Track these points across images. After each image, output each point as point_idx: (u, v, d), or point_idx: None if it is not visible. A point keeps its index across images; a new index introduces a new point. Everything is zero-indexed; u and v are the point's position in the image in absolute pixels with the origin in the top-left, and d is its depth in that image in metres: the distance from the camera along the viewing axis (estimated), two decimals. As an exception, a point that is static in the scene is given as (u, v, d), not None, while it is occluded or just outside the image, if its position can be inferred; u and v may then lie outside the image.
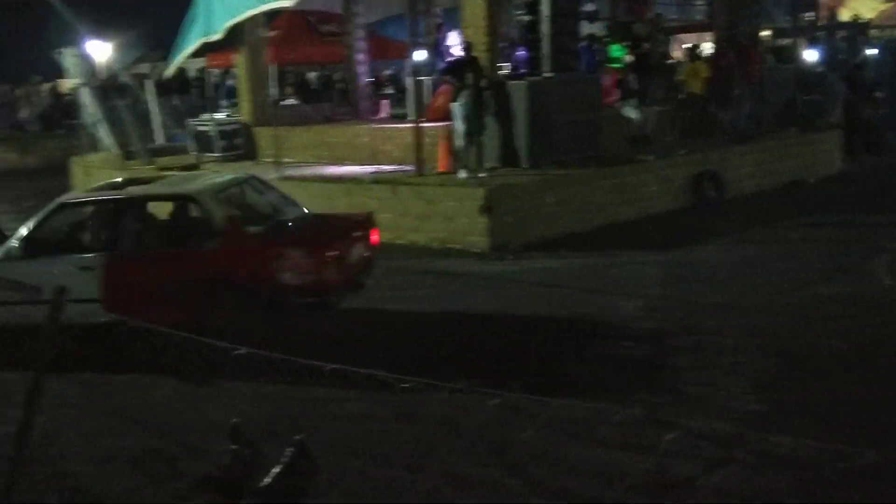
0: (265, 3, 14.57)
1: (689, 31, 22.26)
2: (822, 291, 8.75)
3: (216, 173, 9.80)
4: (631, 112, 14.44)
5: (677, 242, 11.23)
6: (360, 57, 17.97)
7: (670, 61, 18.23)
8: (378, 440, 5.68)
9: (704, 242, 11.23)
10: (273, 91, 19.84)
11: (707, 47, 19.91)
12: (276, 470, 3.46)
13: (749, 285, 9.18)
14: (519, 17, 14.13)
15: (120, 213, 8.02)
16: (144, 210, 8.26)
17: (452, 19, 18.10)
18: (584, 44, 14.65)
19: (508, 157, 12.65)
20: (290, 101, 22.03)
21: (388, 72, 27.49)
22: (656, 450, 5.31)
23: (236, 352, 3.47)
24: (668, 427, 5.71)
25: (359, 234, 8.35)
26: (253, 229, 7.85)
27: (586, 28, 15.37)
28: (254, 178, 9.19)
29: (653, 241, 11.34)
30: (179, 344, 3.86)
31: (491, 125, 12.60)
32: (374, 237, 8.58)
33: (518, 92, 12.48)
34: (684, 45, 19.60)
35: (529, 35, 13.05)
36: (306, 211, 8.72)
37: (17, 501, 4.52)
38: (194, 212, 8.03)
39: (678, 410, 5.96)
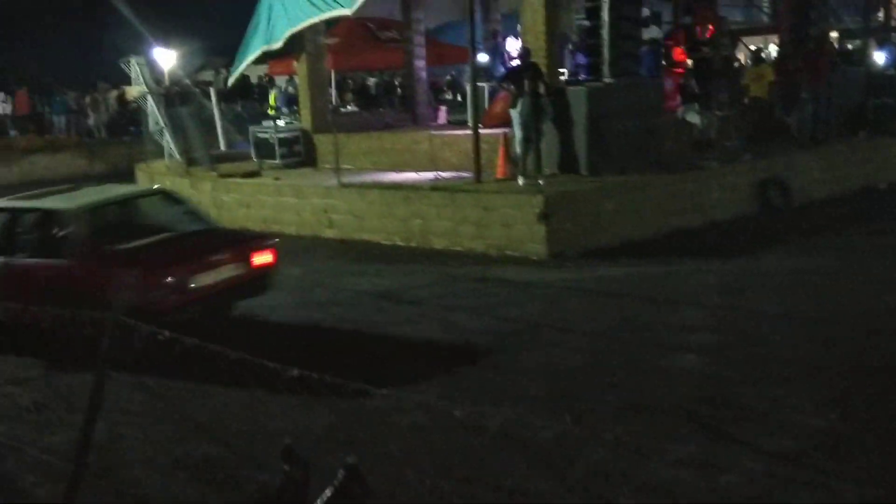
0: (325, 11, 14.68)
1: (755, 34, 21.84)
2: (892, 302, 8.47)
3: (116, 187, 10.03)
4: (693, 117, 14.20)
5: (741, 250, 10.99)
6: (420, 63, 18.02)
7: (735, 65, 17.87)
8: (434, 452, 5.62)
9: (770, 251, 10.98)
10: (333, 98, 20.03)
11: (773, 50, 19.55)
12: (327, 493, 3.42)
13: (816, 295, 8.93)
14: (579, 23, 14.00)
15: (9, 221, 8.48)
16: (26, 221, 8.59)
17: (510, 25, 18.07)
18: (645, 48, 14.44)
19: (567, 163, 12.54)
20: (350, 108, 22.21)
21: (447, 77, 27.59)
22: (719, 467, 5.18)
23: (289, 373, 3.45)
24: (731, 443, 5.58)
25: (228, 256, 8.30)
26: (106, 248, 7.96)
27: (648, 32, 15.14)
28: (162, 192, 9.47)
29: (716, 249, 11.12)
30: (234, 362, 3.85)
31: (550, 131, 12.50)
32: (259, 259, 8.50)
33: (578, 98, 12.36)
34: (750, 47, 19.21)
35: (590, 40, 12.91)
36: (202, 228, 8.85)
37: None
38: (62, 227, 8.25)
39: (740, 426, 5.82)
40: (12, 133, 27.43)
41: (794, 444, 5.50)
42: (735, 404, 6.21)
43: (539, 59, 12.73)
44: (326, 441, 5.82)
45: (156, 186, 9.85)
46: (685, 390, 6.54)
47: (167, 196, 9.44)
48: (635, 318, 8.52)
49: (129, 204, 9.07)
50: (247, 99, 26.52)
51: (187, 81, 24.70)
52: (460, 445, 5.50)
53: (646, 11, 15.15)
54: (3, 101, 28.22)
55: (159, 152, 18.30)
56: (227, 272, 8.18)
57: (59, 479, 5.50)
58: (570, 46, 16.66)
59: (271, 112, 22.42)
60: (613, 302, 9.19)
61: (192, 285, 7.83)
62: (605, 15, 12.33)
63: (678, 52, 15.74)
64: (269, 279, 8.70)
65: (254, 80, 28.78)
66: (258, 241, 8.86)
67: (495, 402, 6.48)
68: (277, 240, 9.22)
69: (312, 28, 15.96)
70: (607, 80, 12.57)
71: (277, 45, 15.97)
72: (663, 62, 15.36)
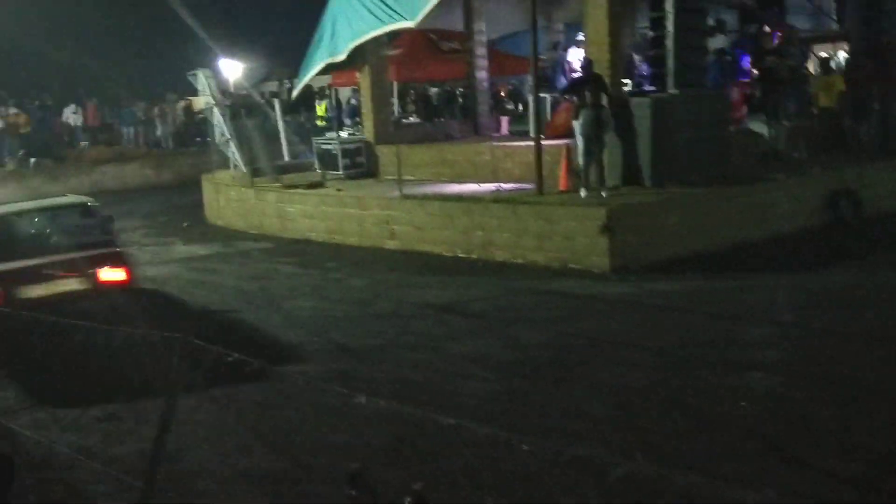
0: (388, 23, 14.79)
1: (824, 42, 21.36)
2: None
3: (45, 200, 11.01)
4: (760, 128, 13.96)
5: (810, 265, 10.76)
6: (482, 74, 18.03)
7: (803, 74, 17.49)
8: (497, 473, 5.58)
9: (840, 265, 10.72)
10: (395, 108, 20.14)
11: (842, 58, 19.10)
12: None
13: (888, 313, 8.68)
14: (643, 33, 13.89)
15: None
16: None
17: (571, 36, 17.98)
18: (711, 58, 14.24)
19: (631, 175, 12.42)
20: (412, 119, 22.33)
21: (508, 86, 27.56)
22: (785, 490, 5.07)
23: (357, 399, 3.47)
24: (802, 468, 5.45)
25: (68, 270, 8.82)
26: None
27: (713, 42, 14.92)
28: (78, 204, 10.16)
29: (784, 264, 10.90)
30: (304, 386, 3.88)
31: (613, 143, 12.40)
32: (107, 275, 9.07)
33: (641, 109, 12.24)
34: (820, 55, 18.77)
35: (654, 51, 12.79)
36: (82, 241, 9.32)
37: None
38: None
39: (811, 449, 5.68)
40: (83, 143, 28.16)
41: (866, 467, 5.35)
42: (804, 425, 6.07)
43: (602, 70, 12.65)
44: (389, 456, 5.84)
45: (77, 198, 10.66)
46: (753, 410, 6.41)
47: (79, 209, 10.09)
48: (700, 334, 8.39)
49: (27, 216, 9.97)
50: (311, 110, 26.83)
51: (253, 93, 25.07)
52: (523, 466, 5.46)
53: (711, 21, 14.95)
54: (74, 113, 28.94)
55: (225, 163, 18.63)
56: (65, 286, 8.77)
57: (126, 490, 5.62)
58: (637, 58, 16.52)
59: (320, 123, 22.42)
60: (678, 317, 9.06)
61: (21, 296, 8.49)
62: (670, 25, 12.20)
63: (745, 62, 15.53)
64: (123, 294, 9.11)
65: (316, 90, 29.12)
66: (108, 258, 9.29)
67: (558, 420, 6.44)
68: (131, 257, 9.76)
69: (375, 40, 16.09)
70: (672, 91, 12.42)
71: (341, 57, 16.15)
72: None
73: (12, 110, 25.96)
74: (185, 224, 17.99)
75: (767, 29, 16.21)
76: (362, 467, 3.08)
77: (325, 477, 5.67)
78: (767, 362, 7.43)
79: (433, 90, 28.93)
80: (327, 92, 27.49)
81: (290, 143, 19.66)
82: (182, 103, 29.94)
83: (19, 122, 25.75)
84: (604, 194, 11.84)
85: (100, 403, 7.29)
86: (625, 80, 14.40)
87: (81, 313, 8.46)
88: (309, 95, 26.59)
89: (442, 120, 24.52)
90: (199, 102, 24.41)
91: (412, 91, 27.65)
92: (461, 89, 26.78)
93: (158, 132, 29.21)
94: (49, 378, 8.13)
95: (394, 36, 17.98)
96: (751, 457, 5.62)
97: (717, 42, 15.28)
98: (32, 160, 24.72)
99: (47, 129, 27.47)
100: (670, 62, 12.36)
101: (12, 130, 25.43)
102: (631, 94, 13.74)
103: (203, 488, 5.75)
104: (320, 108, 23.76)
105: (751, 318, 8.79)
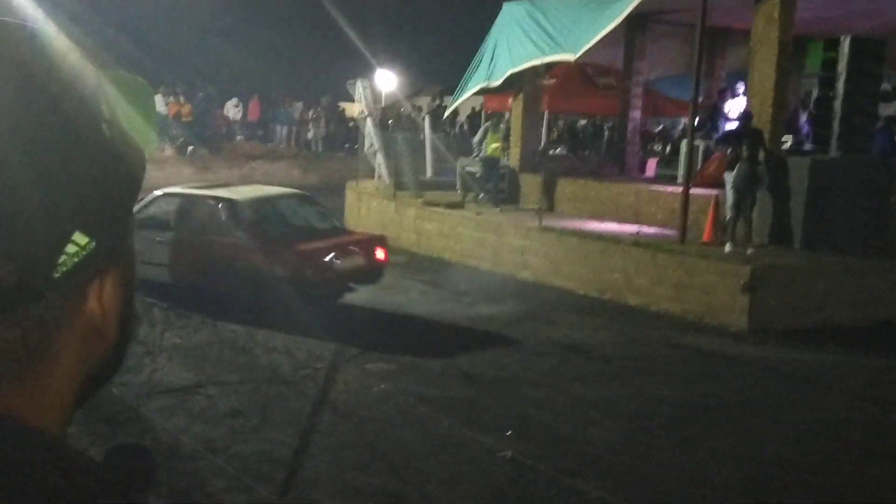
0: (549, 55, 14.80)
1: None
2: None
3: (270, 188, 12.59)
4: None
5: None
6: (636, 114, 17.79)
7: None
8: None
9: None
10: (543, 139, 20.07)
11: None
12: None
13: None
14: (808, 90, 13.39)
15: None
16: None
17: (731, 85, 17.54)
18: (880, 124, 13.60)
19: (779, 235, 11.97)
20: (558, 151, 22.26)
21: (657, 128, 27.16)
22: None
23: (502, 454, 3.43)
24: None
25: (362, 250, 10.36)
26: None
27: (885, 108, 14.24)
28: (307, 196, 11.69)
29: (937, 349, 10.25)
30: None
31: (764, 200, 11.99)
32: (379, 255, 10.68)
33: (799, 170, 11.80)
34: None
35: (819, 110, 12.30)
36: None
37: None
38: None
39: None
40: (239, 137, 29.31)
41: None
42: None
43: (763, 124, 12.26)
44: (496, 498, 5.81)
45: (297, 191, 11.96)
46: (893, 506, 6.04)
47: (308, 199, 11.41)
48: (841, 413, 7.95)
49: (280, 201, 11.13)
50: (453, 127, 27.14)
51: (406, 105, 25.53)
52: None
53: (886, 86, 14.28)
54: (236, 107, 30.14)
55: (370, 172, 19.01)
56: (358, 261, 10.32)
57: (245, 489, 5.76)
58: (804, 116, 15.93)
59: (493, 153, 19.50)
60: (818, 392, 8.62)
61: (335, 268, 9.97)
62: (841, 87, 11.71)
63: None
64: (381, 272, 10.87)
65: (466, 110, 29.41)
66: (378, 240, 11.05)
67: (680, 484, 6.22)
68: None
69: (533, 69, 16.12)
70: (834, 154, 11.92)
71: (496, 82, 16.27)
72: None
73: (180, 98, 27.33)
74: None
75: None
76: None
77: (438, 507, 5.65)
78: (912, 455, 6.98)
79: (581, 122, 28.81)
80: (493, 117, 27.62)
81: (434, 160, 19.90)
82: (334, 109, 30.84)
83: (182, 111, 27.07)
84: (749, 251, 11.44)
85: (228, 396, 7.51)
86: (784, 138, 13.90)
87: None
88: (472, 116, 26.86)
89: (587, 153, 24.37)
90: (354, 110, 25.06)
91: (560, 121, 27.60)
92: (609, 124, 26.57)
93: (310, 135, 30.13)
94: (182, 363, 8.46)
95: (550, 66, 17.96)
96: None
97: (890, 108, 14.58)
98: (190, 148, 25.89)
99: (208, 119, 28.74)
100: (836, 125, 11.87)
101: (175, 118, 26.76)
102: (789, 152, 13.26)
103: (316, 498, 5.82)
104: (496, 139, 19.79)
105: (897, 403, 8.30)
